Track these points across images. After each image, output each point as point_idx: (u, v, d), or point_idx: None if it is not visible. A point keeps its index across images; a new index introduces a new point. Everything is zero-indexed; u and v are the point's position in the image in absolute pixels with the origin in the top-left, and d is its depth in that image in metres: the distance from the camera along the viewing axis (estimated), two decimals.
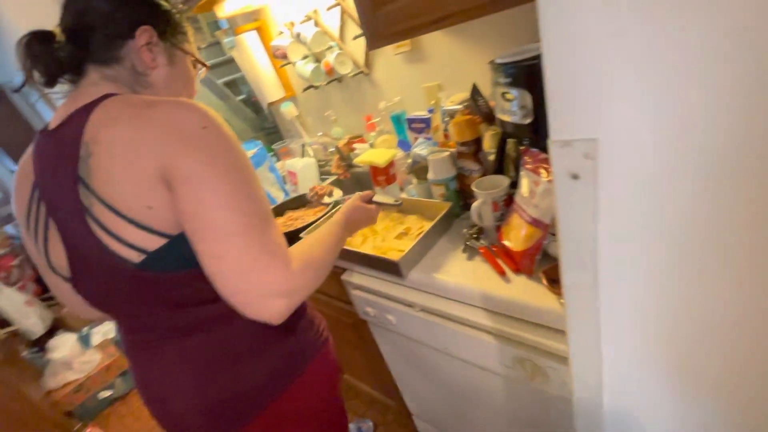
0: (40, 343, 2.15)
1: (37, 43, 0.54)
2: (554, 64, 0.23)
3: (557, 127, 0.25)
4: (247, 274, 0.49)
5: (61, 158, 0.52)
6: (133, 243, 0.51)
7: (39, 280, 2.55)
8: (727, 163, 0.22)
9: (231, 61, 2.11)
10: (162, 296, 0.57)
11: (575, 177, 0.25)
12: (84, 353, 2.07)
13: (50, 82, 0.56)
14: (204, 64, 0.70)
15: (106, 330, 2.35)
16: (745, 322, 0.30)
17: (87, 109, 0.52)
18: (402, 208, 1.06)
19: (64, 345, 2.04)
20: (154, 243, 0.51)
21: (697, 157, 0.23)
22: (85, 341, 2.20)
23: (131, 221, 0.50)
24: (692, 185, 0.24)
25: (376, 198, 0.84)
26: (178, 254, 0.52)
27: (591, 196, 0.25)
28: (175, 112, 0.50)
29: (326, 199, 1.07)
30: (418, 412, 1.31)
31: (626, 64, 0.23)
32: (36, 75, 0.55)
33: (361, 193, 0.84)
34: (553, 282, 0.67)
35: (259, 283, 0.49)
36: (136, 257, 0.51)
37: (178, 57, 0.64)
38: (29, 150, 0.59)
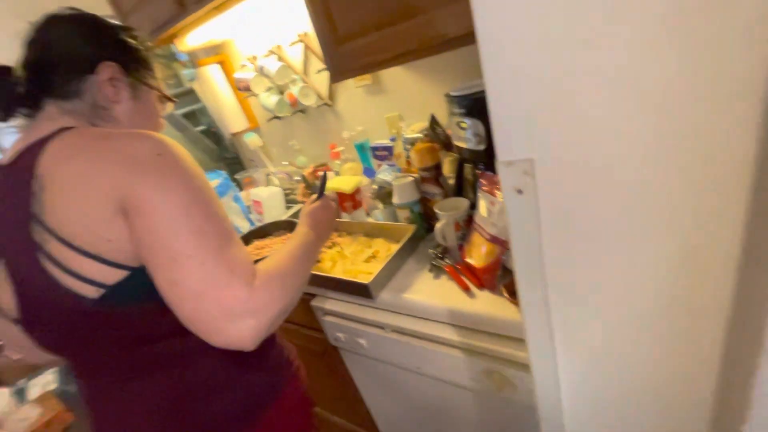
0: None
1: None
2: (496, 101, 0.28)
3: (502, 150, 0.29)
4: (203, 296, 0.46)
5: (12, 194, 0.50)
6: (90, 278, 0.49)
7: None
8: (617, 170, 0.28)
9: (190, 93, 2.09)
10: (120, 334, 0.54)
11: (519, 192, 0.30)
12: (19, 409, 1.85)
13: (4, 116, 0.55)
14: (170, 99, 0.71)
15: (46, 381, 2.12)
16: (676, 322, 0.36)
17: (42, 143, 0.50)
18: (369, 232, 1.10)
19: None
20: (113, 276, 0.49)
21: (600, 169, 0.29)
22: (20, 395, 1.97)
23: (89, 255, 0.48)
24: (602, 192, 0.29)
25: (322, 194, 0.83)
26: (138, 287, 0.50)
27: (533, 207, 0.30)
28: (129, 141, 0.50)
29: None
30: None
31: (546, 104, 0.28)
32: None
33: (307, 201, 0.84)
34: (514, 294, 0.71)
35: (219, 305, 0.46)
36: (93, 292, 0.49)
37: (142, 92, 0.64)
38: None
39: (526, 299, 0.36)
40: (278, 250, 0.63)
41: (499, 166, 0.30)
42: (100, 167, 0.48)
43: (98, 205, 0.47)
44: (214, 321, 0.46)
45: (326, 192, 0.85)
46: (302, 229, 0.73)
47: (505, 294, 0.72)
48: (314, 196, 0.84)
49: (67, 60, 0.57)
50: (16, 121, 0.58)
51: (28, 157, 0.50)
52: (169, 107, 0.72)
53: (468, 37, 0.76)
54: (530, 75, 0.26)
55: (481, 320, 0.73)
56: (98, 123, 0.59)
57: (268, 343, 0.70)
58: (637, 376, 0.43)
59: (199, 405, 0.60)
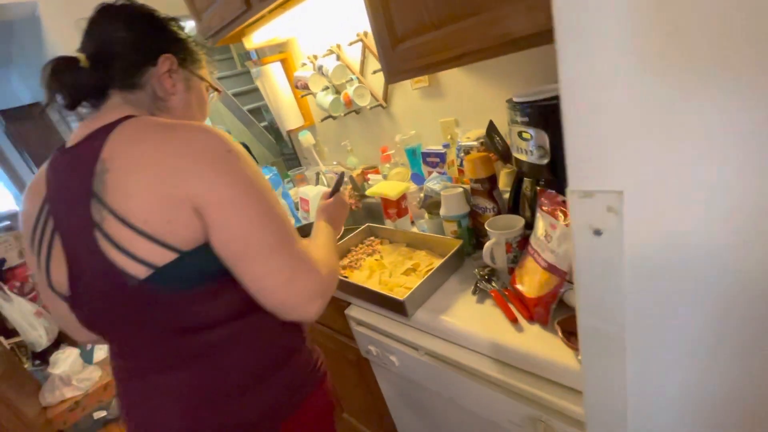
0: (43, 356, 2.14)
1: (63, 69, 0.56)
2: (572, 105, 0.21)
3: (576, 176, 0.22)
4: (290, 284, 0.53)
5: (75, 174, 0.53)
6: (142, 257, 0.50)
7: None
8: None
9: (257, 90, 2.18)
10: (160, 318, 0.55)
11: (597, 233, 0.22)
12: (84, 370, 2.05)
13: (72, 105, 0.58)
14: (216, 89, 0.73)
15: None
16: None
17: (107, 129, 0.53)
18: (412, 243, 1.03)
19: (65, 360, 2.02)
20: (163, 257, 0.51)
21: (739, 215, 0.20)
22: (87, 357, 2.18)
23: (144, 234, 0.49)
24: (740, 250, 0.20)
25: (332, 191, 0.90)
26: (183, 271, 0.52)
27: (615, 254, 0.22)
28: (199, 135, 0.52)
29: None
30: None
31: (657, 106, 0.20)
32: (59, 98, 0.57)
33: (323, 200, 0.89)
34: (570, 335, 0.61)
35: (302, 290, 0.54)
36: (143, 272, 0.50)
37: (194, 83, 0.66)
38: (42, 168, 0.60)
39: (593, 383, 0.28)
40: (317, 241, 0.71)
41: (571, 197, 0.22)
42: (170, 157, 0.50)
43: (166, 190, 0.49)
44: (296, 303, 0.54)
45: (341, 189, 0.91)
46: (323, 223, 0.78)
47: (560, 333, 0.62)
48: (328, 191, 0.90)
49: (130, 52, 0.59)
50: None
51: (93, 141, 0.53)
52: (215, 97, 0.74)
53: (537, 37, 0.67)
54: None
55: (528, 359, 0.63)
56: (156, 113, 0.62)
57: (297, 347, 0.69)
58: None
59: (227, 402, 0.60)
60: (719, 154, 0.19)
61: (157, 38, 0.62)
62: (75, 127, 0.61)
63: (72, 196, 0.53)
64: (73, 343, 2.29)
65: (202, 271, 0.54)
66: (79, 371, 2.01)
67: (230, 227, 0.51)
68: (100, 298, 0.54)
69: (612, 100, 0.20)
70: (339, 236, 0.89)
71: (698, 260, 0.21)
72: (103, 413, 1.99)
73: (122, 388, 0.64)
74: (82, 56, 0.57)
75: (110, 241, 0.50)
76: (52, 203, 0.56)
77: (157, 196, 0.49)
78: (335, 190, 0.89)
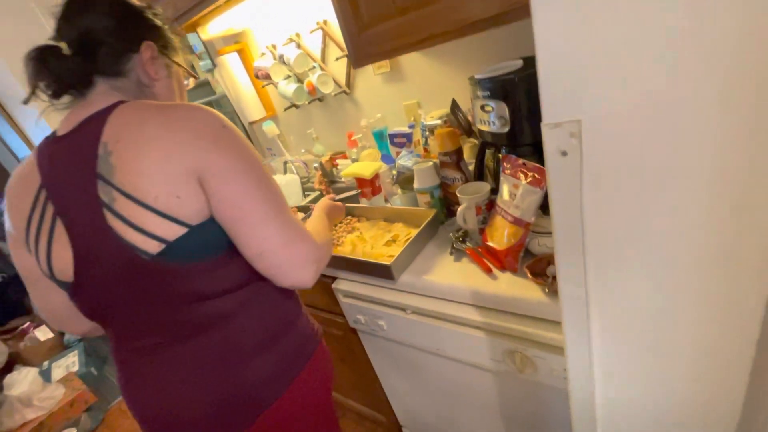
0: None
1: (49, 57, 0.55)
2: (545, 63, 0.29)
3: (548, 113, 0.30)
4: (285, 248, 0.57)
5: (76, 158, 0.54)
6: (153, 232, 0.53)
7: None
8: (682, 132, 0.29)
9: (205, 84, 2.11)
10: (172, 290, 0.57)
11: (564, 153, 0.31)
12: (45, 388, 1.92)
13: (59, 93, 0.57)
14: (194, 75, 0.75)
15: (70, 363, 2.20)
16: (713, 296, 0.36)
17: (102, 114, 0.55)
18: (389, 217, 1.11)
19: (23, 380, 1.89)
20: (173, 232, 0.53)
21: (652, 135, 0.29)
22: (46, 376, 2.04)
23: (155, 211, 0.52)
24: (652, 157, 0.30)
25: (338, 197, 1.06)
26: (193, 244, 0.55)
27: (577, 169, 0.31)
28: (196, 113, 0.55)
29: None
30: (408, 424, 1.31)
31: (598, 65, 0.29)
32: (43, 87, 0.57)
33: (327, 196, 1.05)
34: (537, 275, 0.72)
35: (297, 255, 0.58)
36: (154, 247, 0.53)
37: (173, 69, 0.68)
38: (29, 159, 0.60)
39: (564, 261, 0.37)
40: (312, 221, 0.77)
41: (544, 129, 0.31)
42: (175, 135, 0.53)
43: (173, 167, 0.52)
44: (293, 266, 0.58)
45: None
46: (320, 211, 0.86)
47: (529, 275, 0.72)
48: (332, 195, 1.03)
49: (112, 40, 0.59)
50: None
51: (90, 126, 0.54)
52: (191, 82, 0.76)
53: (491, 20, 0.76)
54: (585, 33, 0.27)
55: (504, 300, 0.74)
56: (142, 99, 0.62)
57: (296, 314, 0.74)
58: (673, 360, 0.43)
59: (239, 366, 0.63)
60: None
61: (137, 26, 0.63)
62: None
63: (75, 180, 0.53)
64: (29, 364, 2.14)
65: (209, 243, 0.57)
66: (40, 390, 1.89)
67: (228, 194, 0.54)
68: (109, 277, 0.55)
69: (568, 58, 0.28)
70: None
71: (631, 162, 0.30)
72: (72, 430, 1.89)
73: (132, 371, 0.65)
74: (63, 44, 0.57)
75: (121, 219, 0.52)
76: (50, 189, 0.56)
77: (165, 173, 0.52)
78: (342, 198, 1.06)
